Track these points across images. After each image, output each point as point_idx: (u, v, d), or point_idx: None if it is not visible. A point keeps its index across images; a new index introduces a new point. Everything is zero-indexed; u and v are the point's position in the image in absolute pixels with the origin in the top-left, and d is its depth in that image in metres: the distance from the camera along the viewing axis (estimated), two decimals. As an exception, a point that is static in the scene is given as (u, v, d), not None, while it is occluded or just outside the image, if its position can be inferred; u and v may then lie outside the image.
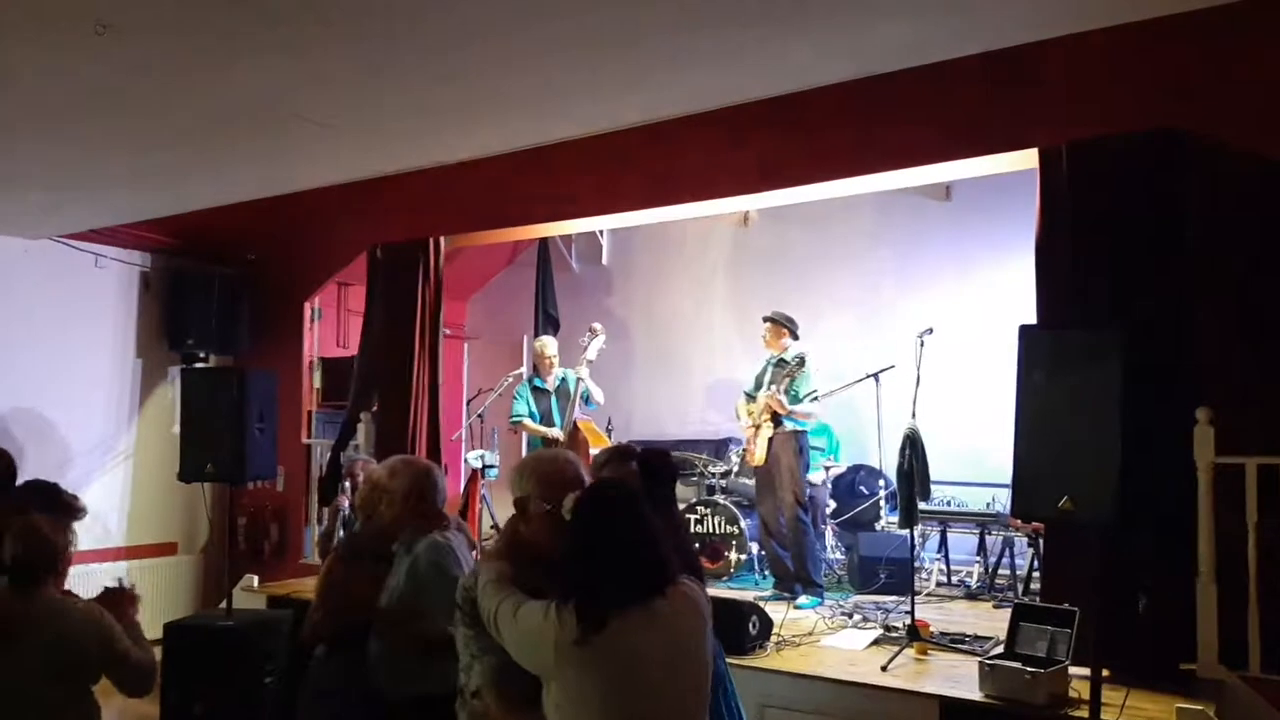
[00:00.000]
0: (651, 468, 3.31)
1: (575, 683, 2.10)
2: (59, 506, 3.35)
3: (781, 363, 6.07)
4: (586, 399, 6.55)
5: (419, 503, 3.31)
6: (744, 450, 6.93)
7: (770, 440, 5.95)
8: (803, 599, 5.75)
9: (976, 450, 6.36)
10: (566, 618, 2.10)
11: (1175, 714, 3.57)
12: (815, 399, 5.99)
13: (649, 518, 2.23)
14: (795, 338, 6.20)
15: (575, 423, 6.44)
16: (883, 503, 6.66)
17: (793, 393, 5.95)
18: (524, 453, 6.97)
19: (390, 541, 3.33)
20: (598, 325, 6.61)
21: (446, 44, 3.61)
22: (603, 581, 2.12)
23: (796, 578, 5.89)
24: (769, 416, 5.95)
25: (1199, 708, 3.55)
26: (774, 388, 5.93)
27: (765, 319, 6.25)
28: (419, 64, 3.81)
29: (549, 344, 6.82)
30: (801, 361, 5.99)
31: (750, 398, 6.17)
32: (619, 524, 2.20)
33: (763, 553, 6.51)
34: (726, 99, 4.53)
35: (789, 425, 5.92)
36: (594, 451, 6.17)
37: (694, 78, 4.11)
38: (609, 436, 6.79)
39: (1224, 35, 4.22)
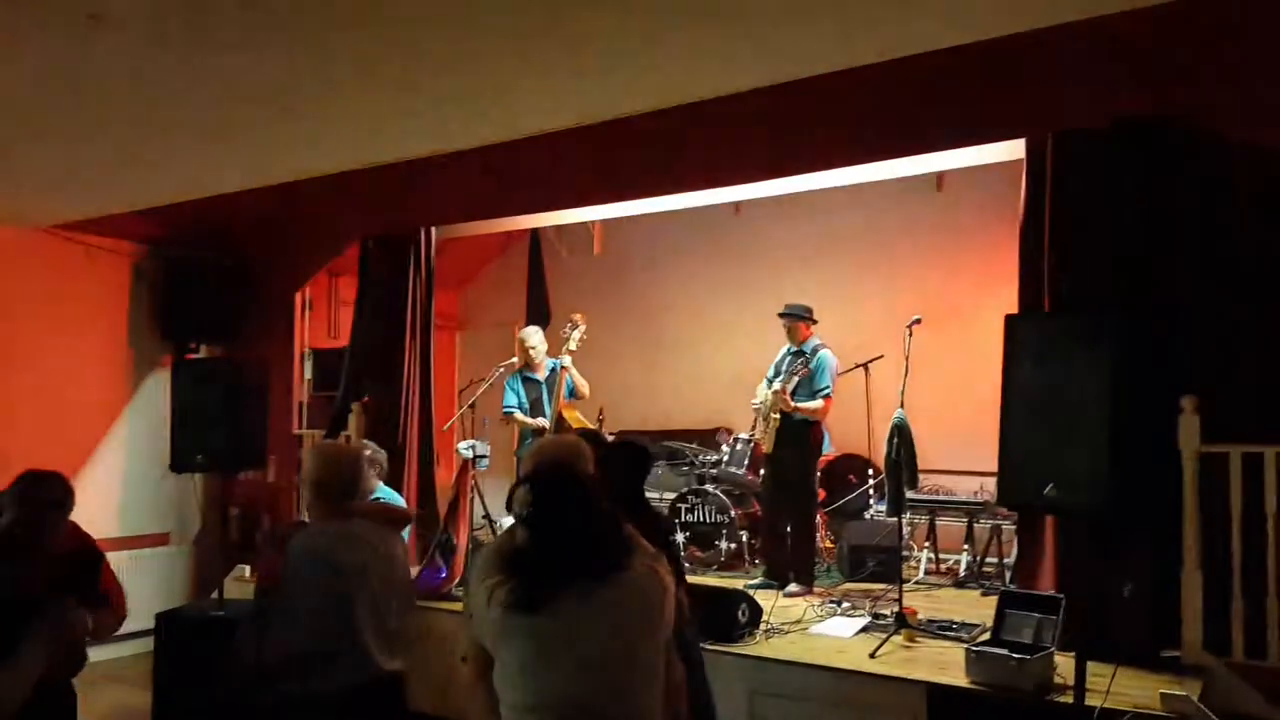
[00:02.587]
0: (606, 459, 3.28)
1: (503, 655, 2.19)
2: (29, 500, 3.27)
3: (799, 354, 6.08)
4: (571, 391, 6.55)
5: (316, 492, 3.28)
6: (734, 437, 6.99)
7: (779, 431, 5.98)
8: (791, 587, 5.79)
9: (965, 439, 6.39)
10: (499, 592, 2.17)
11: (1159, 699, 3.61)
12: (828, 396, 5.97)
13: (584, 502, 2.23)
14: (813, 322, 6.18)
15: (560, 412, 6.44)
16: (871, 492, 6.70)
17: (806, 386, 5.95)
18: (515, 443, 6.98)
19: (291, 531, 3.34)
20: (577, 316, 6.59)
21: (439, 34, 3.61)
22: (531, 562, 2.18)
23: (791, 566, 5.94)
24: (777, 408, 5.96)
25: (1183, 693, 3.59)
26: (782, 383, 5.94)
27: (781, 315, 6.20)
28: (411, 54, 3.82)
29: (529, 335, 6.74)
30: (816, 358, 5.96)
31: (769, 383, 6.17)
32: (548, 507, 2.23)
33: (753, 541, 6.56)
34: (717, 90, 4.53)
35: (799, 416, 5.93)
36: (584, 441, 6.19)
37: (686, 68, 4.12)
38: (599, 426, 6.80)
39: (1214, 22, 4.24)
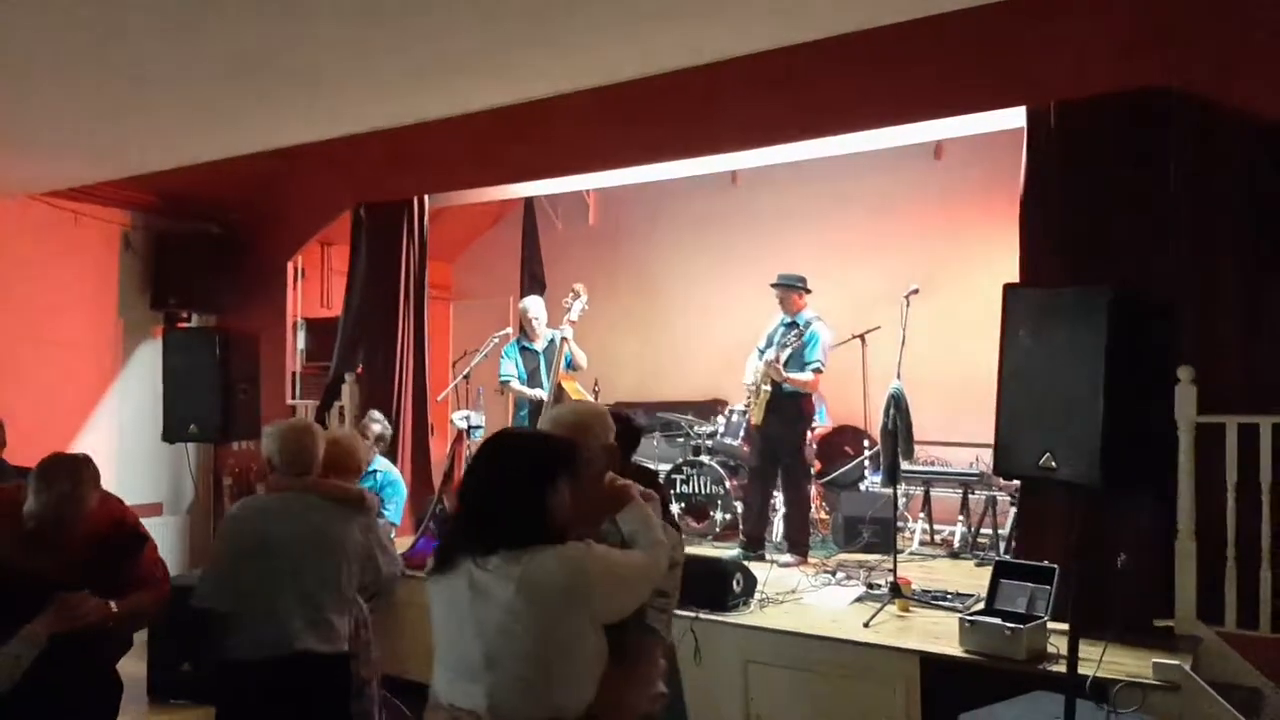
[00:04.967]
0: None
1: (431, 608, 2.27)
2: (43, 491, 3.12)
3: (793, 325, 6.05)
4: (569, 363, 6.53)
5: (268, 465, 3.40)
6: (730, 409, 6.97)
7: (769, 403, 5.96)
8: (786, 557, 5.81)
9: (961, 410, 6.39)
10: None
11: (1152, 668, 3.62)
12: (819, 370, 5.95)
13: (506, 473, 2.18)
14: (807, 292, 6.15)
15: (559, 383, 6.42)
16: (866, 463, 6.70)
17: (797, 359, 5.93)
18: (510, 414, 6.97)
19: None
20: (579, 286, 6.55)
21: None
22: (451, 524, 2.26)
23: (786, 537, 5.97)
24: (768, 380, 5.95)
25: (1175, 662, 3.61)
26: (773, 353, 5.92)
27: (773, 285, 6.17)
28: (404, 17, 3.75)
29: (530, 306, 6.75)
30: (809, 329, 5.94)
31: (761, 354, 6.16)
32: (472, 474, 2.26)
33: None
34: (715, 55, 4.48)
35: (790, 388, 5.92)
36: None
37: (684, 32, 4.06)
38: (595, 398, 6.78)
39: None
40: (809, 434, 6.20)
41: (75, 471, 3.20)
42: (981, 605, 4.22)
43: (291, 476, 3.32)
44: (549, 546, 2.12)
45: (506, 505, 2.15)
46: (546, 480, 2.18)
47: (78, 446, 6.67)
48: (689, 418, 7.38)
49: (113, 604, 3.13)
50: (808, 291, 6.14)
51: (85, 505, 3.18)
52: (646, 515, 2.38)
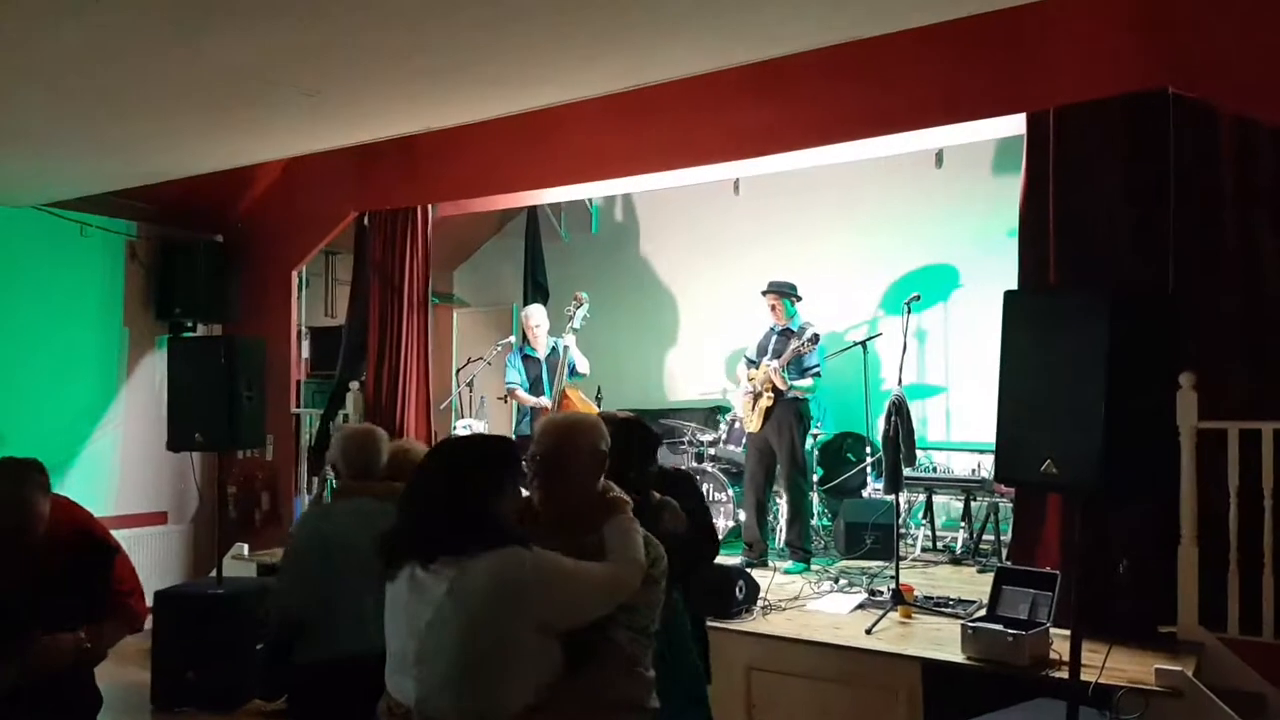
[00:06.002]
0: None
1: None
2: None
3: (787, 332, 6.06)
4: (572, 369, 6.55)
5: (334, 472, 3.48)
6: (732, 416, 6.97)
7: (769, 409, 5.97)
8: (788, 564, 5.81)
9: (963, 416, 6.40)
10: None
11: (1154, 674, 3.62)
12: (819, 375, 6.00)
13: (442, 479, 2.23)
14: (799, 299, 6.18)
15: (563, 391, 6.44)
16: (869, 469, 6.70)
17: (796, 366, 5.95)
18: (513, 422, 6.98)
19: None
20: (582, 294, 6.57)
21: (431, 9, 3.57)
22: (397, 529, 2.26)
23: (788, 544, 5.97)
24: (769, 387, 5.96)
25: (1177, 668, 3.60)
26: (776, 363, 5.93)
27: (764, 292, 6.20)
28: (405, 30, 3.77)
29: (532, 313, 6.76)
30: (815, 338, 5.96)
31: (752, 363, 6.17)
32: (415, 478, 2.30)
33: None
34: (711, 65, 4.49)
35: (791, 394, 5.94)
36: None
37: (681, 42, 4.08)
38: (598, 405, 6.80)
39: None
40: (807, 435, 6.21)
41: (20, 476, 3.06)
42: (984, 612, 4.22)
43: (355, 481, 3.35)
44: (491, 550, 2.12)
45: (449, 510, 2.18)
46: (490, 484, 2.21)
47: (83, 456, 6.77)
48: (693, 425, 7.39)
49: (82, 634, 3.06)
50: (799, 299, 6.16)
51: (34, 509, 3.05)
52: (630, 531, 2.32)
